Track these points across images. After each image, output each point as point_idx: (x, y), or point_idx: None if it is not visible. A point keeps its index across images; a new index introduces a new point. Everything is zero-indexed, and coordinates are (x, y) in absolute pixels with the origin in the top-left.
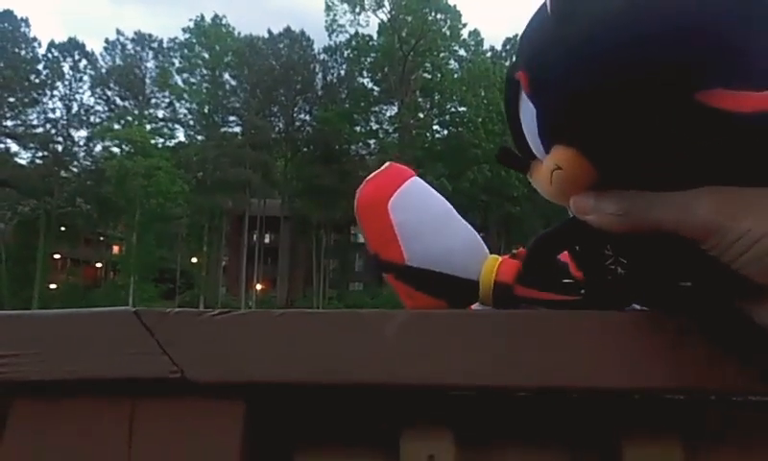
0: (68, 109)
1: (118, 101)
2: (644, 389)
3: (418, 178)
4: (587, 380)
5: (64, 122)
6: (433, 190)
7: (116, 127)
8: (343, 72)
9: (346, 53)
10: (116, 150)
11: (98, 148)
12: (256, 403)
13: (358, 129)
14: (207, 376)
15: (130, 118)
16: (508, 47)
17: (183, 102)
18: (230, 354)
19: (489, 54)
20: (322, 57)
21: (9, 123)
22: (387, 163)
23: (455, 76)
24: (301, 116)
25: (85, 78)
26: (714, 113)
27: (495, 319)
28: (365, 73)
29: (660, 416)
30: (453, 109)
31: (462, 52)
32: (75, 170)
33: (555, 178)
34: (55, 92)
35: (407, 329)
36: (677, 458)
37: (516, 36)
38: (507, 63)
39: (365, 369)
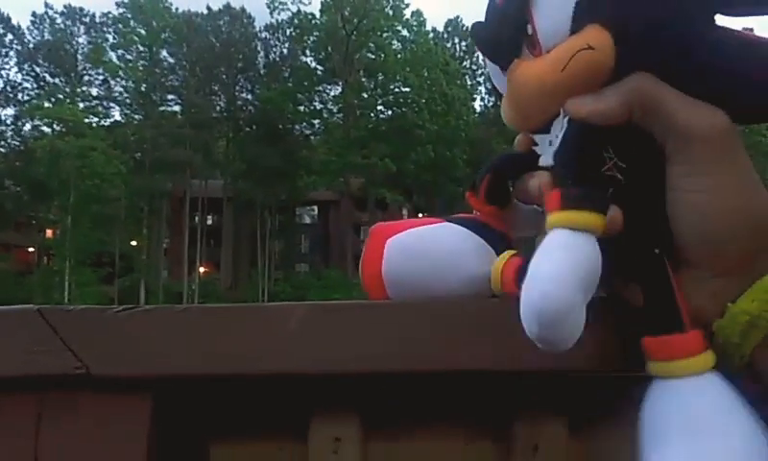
0: None
1: (48, 78)
2: (533, 371)
3: (391, 238)
4: (479, 363)
5: None
6: (407, 236)
7: (46, 105)
8: (285, 51)
9: (288, 31)
10: (47, 129)
11: (27, 127)
12: (165, 398)
13: (302, 108)
14: (112, 372)
15: (61, 96)
16: (449, 28)
17: (119, 80)
18: (135, 350)
19: (431, 35)
20: (263, 34)
21: None
22: (369, 229)
23: (398, 56)
24: (243, 95)
25: (12, 53)
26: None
27: (386, 308)
28: (308, 52)
29: (547, 396)
30: (397, 90)
31: (405, 32)
32: (2, 150)
33: (579, 58)
34: None
35: (307, 322)
36: (562, 435)
37: (458, 17)
38: (449, 45)
39: (268, 359)
